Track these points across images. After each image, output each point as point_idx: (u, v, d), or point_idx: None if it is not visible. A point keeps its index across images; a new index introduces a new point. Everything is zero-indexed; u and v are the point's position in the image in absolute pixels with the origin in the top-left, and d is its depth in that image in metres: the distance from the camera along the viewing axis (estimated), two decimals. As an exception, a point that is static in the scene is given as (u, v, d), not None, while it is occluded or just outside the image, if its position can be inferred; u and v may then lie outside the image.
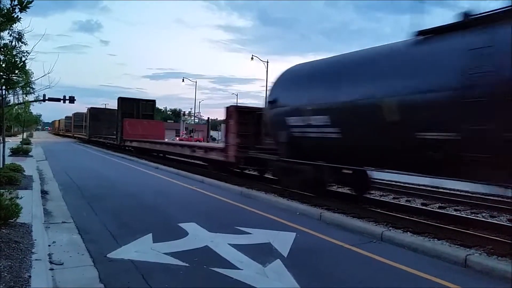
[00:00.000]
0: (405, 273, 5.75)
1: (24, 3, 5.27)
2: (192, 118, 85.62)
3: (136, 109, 36.16)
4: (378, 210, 9.94)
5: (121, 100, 35.92)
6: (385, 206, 10.61)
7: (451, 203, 11.46)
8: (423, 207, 11.03)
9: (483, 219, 9.59)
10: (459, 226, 8.37)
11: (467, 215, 10.02)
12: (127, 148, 33.80)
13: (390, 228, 8.31)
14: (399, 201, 11.93)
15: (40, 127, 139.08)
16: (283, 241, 7.08)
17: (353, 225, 8.34)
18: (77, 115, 70.11)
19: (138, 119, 34.89)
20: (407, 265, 6.00)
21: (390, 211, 9.95)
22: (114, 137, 37.29)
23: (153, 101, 39.23)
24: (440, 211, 10.43)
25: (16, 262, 5.03)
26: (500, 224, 8.95)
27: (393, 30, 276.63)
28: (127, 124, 33.49)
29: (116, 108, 36.90)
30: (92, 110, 51.97)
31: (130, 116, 35.02)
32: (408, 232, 7.99)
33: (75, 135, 67.79)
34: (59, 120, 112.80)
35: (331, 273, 5.76)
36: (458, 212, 10.53)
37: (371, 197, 12.11)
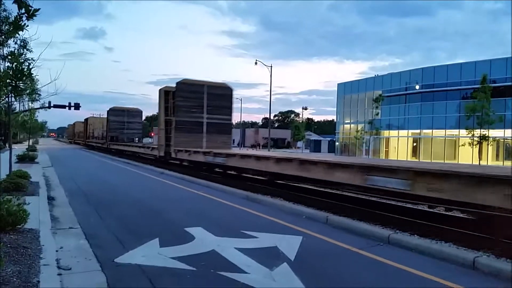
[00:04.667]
0: (413, 275, 5.73)
1: (31, 11, 5.31)
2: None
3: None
4: (385, 213, 9.89)
5: None
6: (392, 209, 10.56)
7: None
8: (430, 210, 10.96)
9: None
10: (467, 229, 8.32)
11: (474, 217, 9.94)
12: None
13: (396, 231, 8.27)
14: (405, 204, 11.85)
15: (46, 134, 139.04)
16: (289, 244, 7.07)
17: (360, 228, 8.31)
18: (183, 90, 23.27)
19: None
20: (415, 268, 5.97)
21: (396, 214, 9.90)
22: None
23: None
24: (447, 213, 10.36)
25: (24, 267, 5.06)
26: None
27: (397, 33, 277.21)
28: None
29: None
30: None
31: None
32: (415, 235, 7.95)
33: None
34: (86, 121, 70.39)
35: (339, 276, 5.74)
36: (465, 214, 10.44)
37: (377, 200, 12.03)
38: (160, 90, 25.08)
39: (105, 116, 67.62)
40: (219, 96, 24.12)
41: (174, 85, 24.08)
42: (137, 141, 46.40)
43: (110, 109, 49.10)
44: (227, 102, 24.70)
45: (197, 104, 23.47)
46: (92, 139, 64.93)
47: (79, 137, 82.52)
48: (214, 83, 24.72)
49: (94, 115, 72.75)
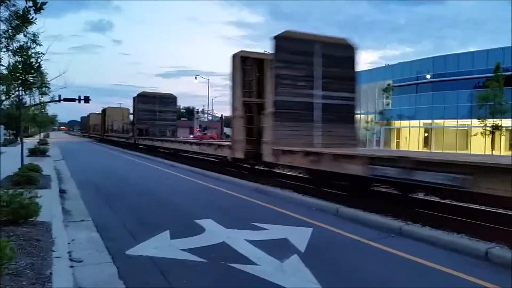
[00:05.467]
0: (425, 267, 5.68)
1: (39, 5, 5.32)
2: (206, 115, 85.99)
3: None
4: (396, 205, 9.82)
5: None
6: (403, 200, 10.48)
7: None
8: (441, 201, 10.86)
9: (503, 212, 9.39)
10: (479, 220, 8.23)
11: (486, 208, 9.84)
12: None
13: (408, 222, 8.20)
14: (417, 195, 11.77)
15: (56, 128, 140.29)
16: (300, 236, 7.05)
17: (371, 219, 8.26)
18: (284, 50, 14.21)
19: None
20: (426, 259, 5.92)
21: (407, 205, 9.83)
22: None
23: None
24: (459, 204, 10.25)
25: (37, 259, 5.11)
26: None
27: (407, 21, 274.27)
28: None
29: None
30: None
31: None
32: (427, 226, 7.87)
33: None
34: (104, 112, 60.21)
35: (349, 268, 5.71)
36: (477, 205, 10.33)
37: (388, 191, 11.96)
38: (234, 56, 16.37)
39: (125, 106, 59.95)
40: (339, 60, 14.76)
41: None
42: (170, 135, 37.07)
43: (138, 95, 38.19)
44: (349, 70, 15.13)
45: (305, 74, 14.25)
46: (111, 132, 54.86)
47: (95, 130, 72.68)
48: (330, 39, 15.00)
49: (104, 107, 69.29)
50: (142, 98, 37.73)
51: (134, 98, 38.76)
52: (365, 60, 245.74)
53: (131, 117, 51.85)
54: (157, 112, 37.57)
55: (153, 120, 37.39)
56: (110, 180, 14.98)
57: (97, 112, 73.96)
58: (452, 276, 5.31)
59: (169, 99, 39.08)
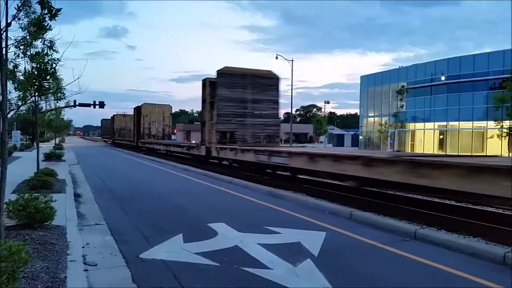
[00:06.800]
0: (441, 271, 5.58)
1: (54, 11, 5.38)
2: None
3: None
4: (411, 208, 9.69)
5: None
6: (418, 204, 10.34)
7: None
8: (457, 204, 10.70)
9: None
10: (496, 223, 8.07)
11: (504, 211, 9.65)
12: None
13: (423, 226, 8.09)
14: (432, 199, 11.61)
15: (72, 132, 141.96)
16: (313, 240, 7.00)
17: (385, 223, 8.16)
18: None
19: None
20: (442, 264, 5.82)
21: (422, 208, 9.69)
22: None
23: None
24: (475, 207, 10.08)
25: (52, 263, 5.16)
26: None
27: (421, 22, 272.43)
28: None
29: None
30: None
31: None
32: (442, 230, 7.76)
33: None
34: (138, 111, 45.99)
35: (364, 272, 5.64)
36: (494, 208, 10.15)
37: (402, 194, 11.81)
38: None
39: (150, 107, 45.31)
40: None
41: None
42: (265, 142, 21.86)
43: (219, 72, 21.50)
44: None
45: None
46: (148, 138, 42.21)
47: (121, 136, 59.15)
48: None
49: (118, 113, 64.29)
50: (226, 79, 21.56)
51: (204, 82, 22.92)
52: (378, 62, 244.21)
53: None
54: (250, 102, 22.01)
55: (243, 117, 21.92)
56: (123, 182, 15.01)
57: (124, 113, 63.14)
58: (471, 282, 5.21)
59: (268, 80, 22.67)
